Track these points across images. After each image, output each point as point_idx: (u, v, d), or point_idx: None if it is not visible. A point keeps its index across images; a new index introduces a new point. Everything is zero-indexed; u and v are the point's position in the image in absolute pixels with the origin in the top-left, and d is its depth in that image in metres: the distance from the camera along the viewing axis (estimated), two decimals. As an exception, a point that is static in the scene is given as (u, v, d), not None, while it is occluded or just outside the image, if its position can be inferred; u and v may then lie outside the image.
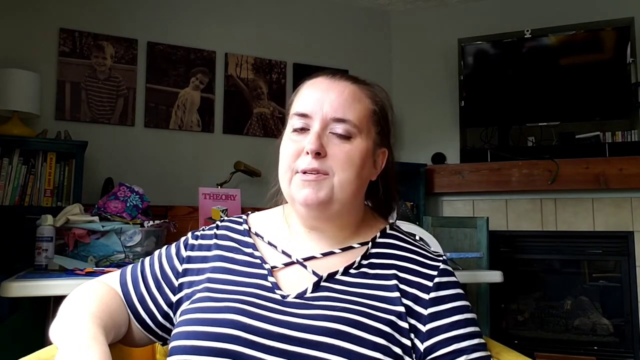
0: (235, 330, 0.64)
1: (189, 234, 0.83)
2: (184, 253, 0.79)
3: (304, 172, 0.71)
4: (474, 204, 3.06)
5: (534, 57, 3.01)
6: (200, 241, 0.80)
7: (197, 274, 0.76)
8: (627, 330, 2.72)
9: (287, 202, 0.84)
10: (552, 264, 3.07)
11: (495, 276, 1.87)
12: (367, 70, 3.30)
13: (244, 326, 0.65)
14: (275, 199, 0.85)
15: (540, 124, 2.99)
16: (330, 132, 0.72)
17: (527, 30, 3.00)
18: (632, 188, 2.68)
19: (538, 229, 2.92)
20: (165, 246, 0.83)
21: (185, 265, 0.77)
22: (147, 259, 0.81)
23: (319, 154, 0.71)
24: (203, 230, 0.83)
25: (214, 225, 0.84)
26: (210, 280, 0.74)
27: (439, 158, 3.18)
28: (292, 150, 0.73)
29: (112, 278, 0.79)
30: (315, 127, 0.72)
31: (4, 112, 2.29)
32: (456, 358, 0.67)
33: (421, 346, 0.67)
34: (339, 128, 0.72)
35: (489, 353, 0.70)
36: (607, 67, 2.87)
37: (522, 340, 2.89)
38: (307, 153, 0.71)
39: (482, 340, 0.70)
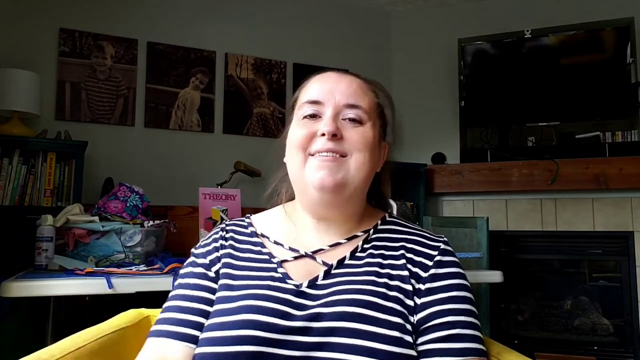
0: (254, 330, 0.64)
1: (192, 256, 0.80)
2: (204, 271, 0.76)
3: (319, 154, 0.71)
4: (474, 204, 3.06)
5: (534, 57, 3.01)
6: (202, 249, 0.79)
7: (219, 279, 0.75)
8: (627, 330, 2.72)
9: (287, 201, 0.84)
10: (552, 264, 3.07)
11: (495, 276, 1.87)
12: (367, 70, 3.28)
13: (262, 325, 0.64)
14: (272, 201, 0.86)
15: (540, 124, 2.99)
16: (342, 119, 0.74)
17: (527, 30, 3.00)
18: (632, 188, 2.68)
19: (538, 229, 2.92)
20: (180, 283, 0.77)
21: (212, 283, 0.75)
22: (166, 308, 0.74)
23: (335, 135, 0.72)
24: (202, 241, 0.82)
25: (217, 229, 0.83)
26: (223, 276, 0.74)
27: (439, 158, 3.18)
28: (305, 133, 0.74)
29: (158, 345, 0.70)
30: (328, 112, 0.74)
31: (4, 112, 2.29)
32: (447, 330, 0.66)
33: (415, 318, 0.68)
34: (352, 113, 0.74)
35: (480, 334, 0.69)
36: (607, 67, 2.87)
37: (522, 340, 2.89)
38: (323, 135, 0.72)
39: (476, 321, 0.69)
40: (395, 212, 1.76)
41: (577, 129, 2.96)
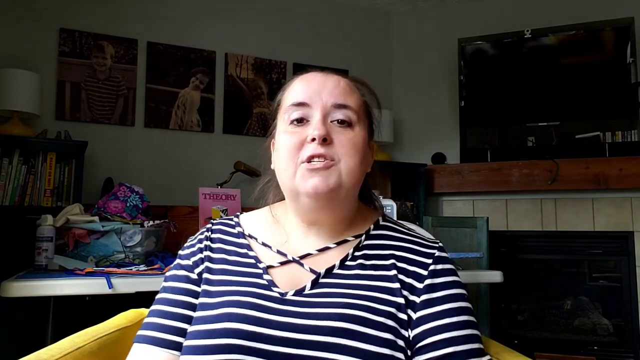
0: (236, 339, 0.62)
1: (177, 258, 0.79)
2: (186, 273, 0.75)
3: (310, 160, 0.68)
4: (474, 204, 3.06)
5: (534, 57, 3.01)
6: (187, 251, 0.78)
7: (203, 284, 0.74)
8: (627, 330, 2.72)
9: (276, 202, 0.83)
10: (552, 264, 3.07)
11: (495, 276, 1.87)
12: (367, 70, 3.30)
13: (245, 334, 0.63)
14: (262, 201, 0.84)
15: (540, 124, 2.99)
16: (331, 121, 0.71)
17: (527, 30, 3.00)
18: (632, 188, 2.68)
19: (538, 229, 2.92)
20: (164, 286, 0.76)
21: (195, 286, 0.74)
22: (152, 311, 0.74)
23: (325, 140, 0.69)
24: (188, 242, 0.81)
25: (204, 229, 0.81)
26: (206, 280, 0.72)
27: (439, 158, 3.18)
28: (294, 141, 0.70)
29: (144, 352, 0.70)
30: (317, 115, 0.70)
31: (4, 112, 2.29)
32: (444, 348, 0.64)
33: (411, 334, 0.65)
34: (340, 114, 0.71)
35: (481, 346, 0.67)
36: (607, 67, 2.87)
37: (522, 340, 2.89)
38: (313, 140, 0.68)
39: (475, 332, 0.67)
40: (394, 212, 1.76)
41: (577, 129, 2.95)
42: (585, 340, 2.79)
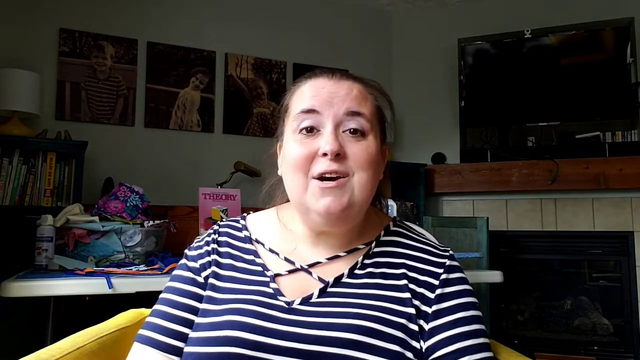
0: (239, 348, 0.60)
1: (184, 258, 0.77)
2: (193, 276, 0.73)
3: (322, 177, 0.65)
4: (474, 204, 3.06)
5: (534, 57, 3.01)
6: (194, 252, 0.76)
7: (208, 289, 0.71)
8: (627, 330, 2.72)
9: (282, 203, 0.80)
10: (552, 264, 3.07)
11: (495, 276, 1.87)
12: (367, 70, 3.29)
13: (248, 343, 0.61)
14: (270, 203, 0.81)
15: (540, 124, 2.99)
16: (343, 131, 0.67)
17: (527, 30, 3.00)
18: (632, 188, 2.68)
19: (538, 229, 2.92)
20: (169, 285, 0.74)
21: (200, 289, 0.72)
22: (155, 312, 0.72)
23: (339, 154, 0.65)
24: (195, 242, 0.79)
25: (211, 231, 0.79)
26: (211, 285, 0.70)
27: (439, 158, 3.18)
28: (304, 153, 0.66)
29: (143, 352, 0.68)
30: (329, 126, 0.67)
31: (4, 112, 2.29)
32: (458, 358, 0.63)
33: (424, 345, 0.64)
34: (354, 122, 0.67)
35: (491, 354, 0.66)
36: (607, 67, 2.87)
37: (522, 340, 2.89)
38: (324, 155, 0.65)
39: (486, 340, 0.66)
40: (394, 212, 1.76)
41: (577, 129, 2.96)
42: (585, 340, 2.79)
